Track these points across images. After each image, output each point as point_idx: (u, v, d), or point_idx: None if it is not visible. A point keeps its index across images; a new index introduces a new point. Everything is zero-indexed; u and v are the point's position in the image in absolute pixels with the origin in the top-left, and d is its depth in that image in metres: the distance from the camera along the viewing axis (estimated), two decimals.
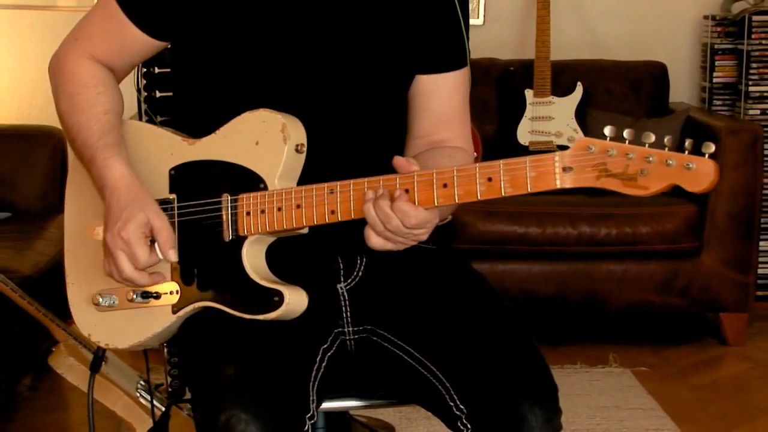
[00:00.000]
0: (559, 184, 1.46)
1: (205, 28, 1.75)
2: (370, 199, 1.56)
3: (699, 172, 1.39)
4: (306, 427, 1.59)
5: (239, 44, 1.74)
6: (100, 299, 1.76)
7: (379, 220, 1.55)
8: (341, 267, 1.79)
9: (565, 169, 1.45)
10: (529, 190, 1.48)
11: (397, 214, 1.54)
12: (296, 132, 1.66)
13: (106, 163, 1.72)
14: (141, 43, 1.80)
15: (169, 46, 1.83)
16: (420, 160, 1.69)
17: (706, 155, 1.39)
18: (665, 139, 1.40)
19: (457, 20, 1.81)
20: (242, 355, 1.63)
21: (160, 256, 1.68)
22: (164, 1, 1.76)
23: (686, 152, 1.39)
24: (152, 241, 1.68)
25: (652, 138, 1.41)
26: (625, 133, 1.42)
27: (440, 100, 1.83)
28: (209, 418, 1.58)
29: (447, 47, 1.82)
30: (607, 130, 1.42)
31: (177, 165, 1.74)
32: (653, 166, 1.40)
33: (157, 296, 1.73)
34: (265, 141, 1.67)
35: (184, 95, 1.85)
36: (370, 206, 1.55)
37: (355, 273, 1.79)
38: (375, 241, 1.59)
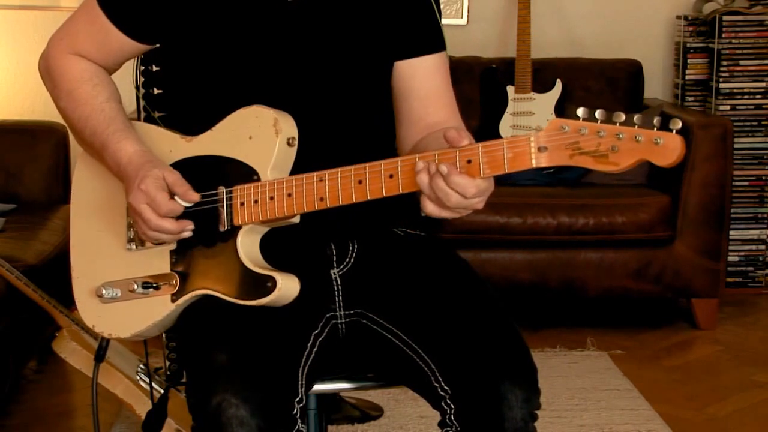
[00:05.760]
0: (535, 164, 1.46)
1: (188, 32, 1.76)
2: (422, 169, 1.52)
3: (667, 147, 1.38)
4: (294, 411, 1.59)
5: (224, 46, 1.75)
6: (104, 291, 1.77)
7: (436, 196, 1.51)
8: (334, 253, 1.79)
9: (540, 149, 1.45)
10: (506, 170, 1.47)
11: (455, 188, 1.50)
12: (287, 126, 1.67)
13: (118, 147, 1.73)
14: (125, 45, 1.81)
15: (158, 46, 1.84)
16: (421, 147, 1.69)
17: (674, 131, 1.38)
18: (635, 117, 1.40)
19: (430, 7, 1.82)
20: (235, 341, 1.63)
21: (182, 203, 1.68)
22: (146, 6, 1.76)
23: (655, 129, 1.39)
24: (172, 197, 1.68)
25: (623, 117, 1.40)
26: (597, 113, 1.42)
27: (421, 81, 1.82)
28: (201, 402, 1.57)
29: (420, 32, 1.82)
30: (580, 111, 1.42)
31: (176, 161, 1.74)
32: (623, 143, 1.40)
33: (157, 287, 1.73)
34: (258, 135, 1.67)
35: (176, 93, 1.85)
36: (424, 176, 1.51)
37: (348, 259, 1.80)
38: (430, 208, 1.54)
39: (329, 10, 1.77)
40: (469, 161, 1.50)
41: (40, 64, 1.87)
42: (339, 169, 1.59)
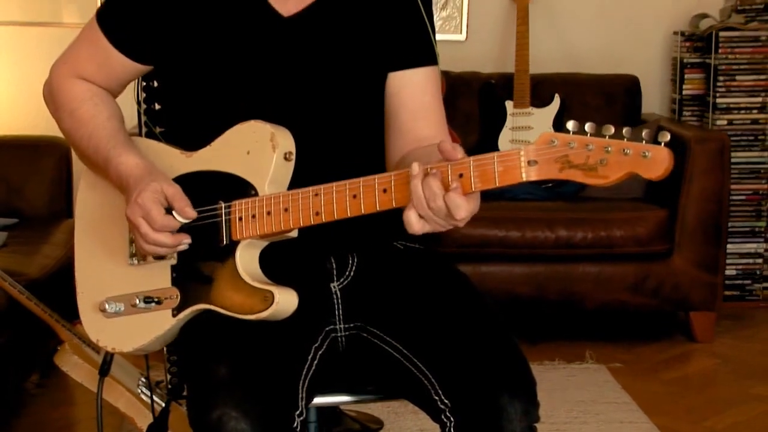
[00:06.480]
0: (524, 177, 1.45)
1: (186, 49, 1.77)
2: (417, 175, 1.51)
3: (655, 160, 1.38)
4: (295, 423, 1.59)
5: (221, 61, 1.76)
6: (107, 306, 1.77)
7: (424, 197, 1.50)
8: (334, 267, 1.79)
9: (530, 163, 1.45)
10: (497, 184, 1.47)
11: (450, 205, 1.49)
12: (285, 141, 1.67)
13: (120, 160, 1.74)
14: (126, 66, 1.83)
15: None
16: (408, 160, 1.69)
17: (662, 143, 1.38)
18: (624, 131, 1.39)
19: (422, 21, 1.82)
20: (235, 354, 1.63)
21: (180, 219, 1.68)
22: (145, 27, 1.78)
23: (643, 142, 1.38)
24: (169, 211, 1.68)
25: (612, 130, 1.40)
26: (587, 127, 1.41)
27: (413, 94, 1.82)
28: (202, 416, 1.57)
29: (413, 44, 1.82)
30: (570, 125, 1.42)
31: (176, 177, 1.75)
32: (611, 156, 1.39)
33: (159, 302, 1.73)
34: (255, 150, 1.67)
35: (176, 109, 1.86)
36: (418, 183, 1.51)
37: (347, 272, 1.80)
38: (416, 225, 1.53)
39: (323, 24, 1.78)
40: (461, 175, 1.50)
41: (44, 90, 1.89)
42: (334, 184, 1.59)
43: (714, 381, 3.58)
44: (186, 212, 1.68)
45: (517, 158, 1.45)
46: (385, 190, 1.55)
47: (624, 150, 1.39)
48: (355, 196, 1.57)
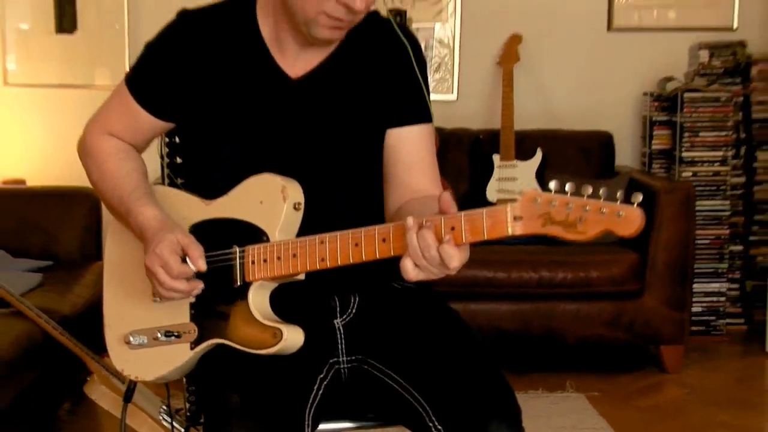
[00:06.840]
0: (510, 232, 1.46)
1: (205, 109, 1.78)
2: (412, 228, 1.50)
3: (628, 219, 1.38)
4: None
5: (235, 120, 1.77)
6: (132, 339, 1.78)
7: (419, 247, 1.49)
8: (337, 305, 1.79)
9: (515, 218, 1.45)
10: (485, 237, 1.47)
11: (443, 255, 1.48)
12: (294, 192, 1.68)
13: (139, 210, 1.75)
14: (151, 124, 1.84)
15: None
16: (404, 210, 1.70)
17: (635, 204, 1.39)
18: (601, 191, 1.40)
19: (418, 82, 1.82)
20: (248, 384, 1.63)
21: (192, 267, 1.68)
22: (168, 89, 1.79)
23: (618, 202, 1.40)
24: (184, 260, 1.69)
25: (590, 190, 1.41)
26: (567, 186, 1.42)
27: (409, 149, 1.82)
28: None
29: (409, 104, 1.82)
30: (552, 184, 1.43)
31: (196, 222, 1.76)
32: (589, 215, 1.40)
33: (179, 335, 1.73)
34: (267, 200, 1.68)
35: (195, 162, 1.87)
36: (413, 234, 1.50)
37: (350, 310, 1.80)
38: (412, 273, 1.51)
39: (328, 85, 1.79)
40: (453, 228, 1.50)
41: (78, 146, 1.91)
42: (338, 233, 1.59)
43: (683, 409, 3.56)
44: (198, 264, 1.69)
45: (504, 214, 1.46)
46: (384, 240, 1.55)
47: (601, 209, 1.40)
48: (357, 245, 1.57)
